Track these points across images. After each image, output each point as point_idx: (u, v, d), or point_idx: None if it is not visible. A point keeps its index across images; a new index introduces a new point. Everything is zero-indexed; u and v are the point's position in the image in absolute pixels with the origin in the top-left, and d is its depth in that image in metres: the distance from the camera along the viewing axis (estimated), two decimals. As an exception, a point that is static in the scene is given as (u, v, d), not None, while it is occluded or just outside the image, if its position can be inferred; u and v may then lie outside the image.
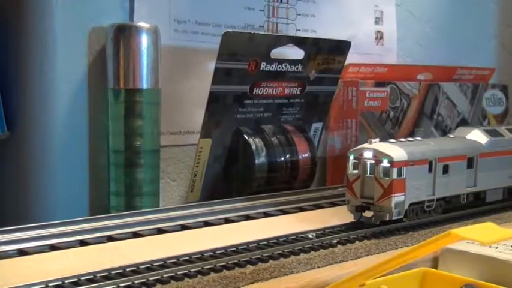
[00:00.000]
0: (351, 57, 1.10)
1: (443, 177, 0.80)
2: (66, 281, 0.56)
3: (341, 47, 1.06)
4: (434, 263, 0.69)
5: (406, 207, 0.76)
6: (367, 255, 0.69)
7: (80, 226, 0.74)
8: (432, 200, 0.79)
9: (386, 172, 0.73)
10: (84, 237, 0.72)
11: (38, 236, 0.70)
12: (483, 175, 0.86)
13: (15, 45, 0.92)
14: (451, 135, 0.90)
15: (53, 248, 0.69)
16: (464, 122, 1.32)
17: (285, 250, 0.67)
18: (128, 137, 0.89)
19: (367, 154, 0.75)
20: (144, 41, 0.89)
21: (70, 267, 0.60)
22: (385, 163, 0.73)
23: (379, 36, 1.30)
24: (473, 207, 0.87)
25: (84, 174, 0.92)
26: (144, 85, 0.89)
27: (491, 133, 0.90)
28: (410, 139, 0.80)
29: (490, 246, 0.68)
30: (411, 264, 0.59)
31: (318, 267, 0.65)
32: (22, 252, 0.67)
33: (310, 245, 0.69)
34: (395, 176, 0.73)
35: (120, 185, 0.90)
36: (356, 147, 0.77)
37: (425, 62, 1.33)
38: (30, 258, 0.66)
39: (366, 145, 0.76)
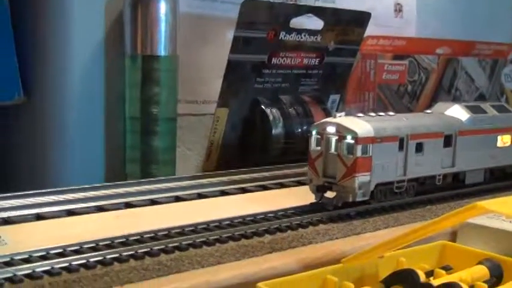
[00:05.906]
0: (370, 29, 1.09)
1: (416, 156, 0.73)
2: (84, 246, 0.56)
3: (361, 18, 1.04)
4: (452, 237, 0.69)
5: (372, 188, 0.69)
6: (385, 227, 0.69)
7: (98, 192, 0.74)
8: (403, 181, 0.73)
9: (350, 149, 0.67)
10: (102, 203, 0.71)
11: (55, 201, 0.70)
12: (462, 155, 0.79)
13: (32, 11, 0.91)
14: (429, 111, 0.82)
15: (69, 213, 0.69)
16: (482, 98, 1.31)
17: (304, 221, 0.66)
18: (145, 104, 0.89)
19: (330, 129, 0.69)
20: (163, 7, 0.88)
21: (88, 233, 0.60)
22: (349, 139, 0.67)
23: (399, 9, 1.28)
24: (452, 189, 0.80)
25: (100, 140, 0.92)
26: (162, 52, 0.88)
27: (473, 109, 0.82)
28: (381, 114, 0.73)
29: (510, 221, 0.67)
30: (429, 238, 0.58)
31: (337, 238, 0.65)
32: (39, 217, 0.67)
33: (328, 217, 0.68)
34: (359, 153, 0.67)
35: (136, 152, 0.89)
36: (319, 121, 0.72)
37: (444, 36, 1.31)
38: (47, 222, 0.66)
39: (329, 119, 0.70)
